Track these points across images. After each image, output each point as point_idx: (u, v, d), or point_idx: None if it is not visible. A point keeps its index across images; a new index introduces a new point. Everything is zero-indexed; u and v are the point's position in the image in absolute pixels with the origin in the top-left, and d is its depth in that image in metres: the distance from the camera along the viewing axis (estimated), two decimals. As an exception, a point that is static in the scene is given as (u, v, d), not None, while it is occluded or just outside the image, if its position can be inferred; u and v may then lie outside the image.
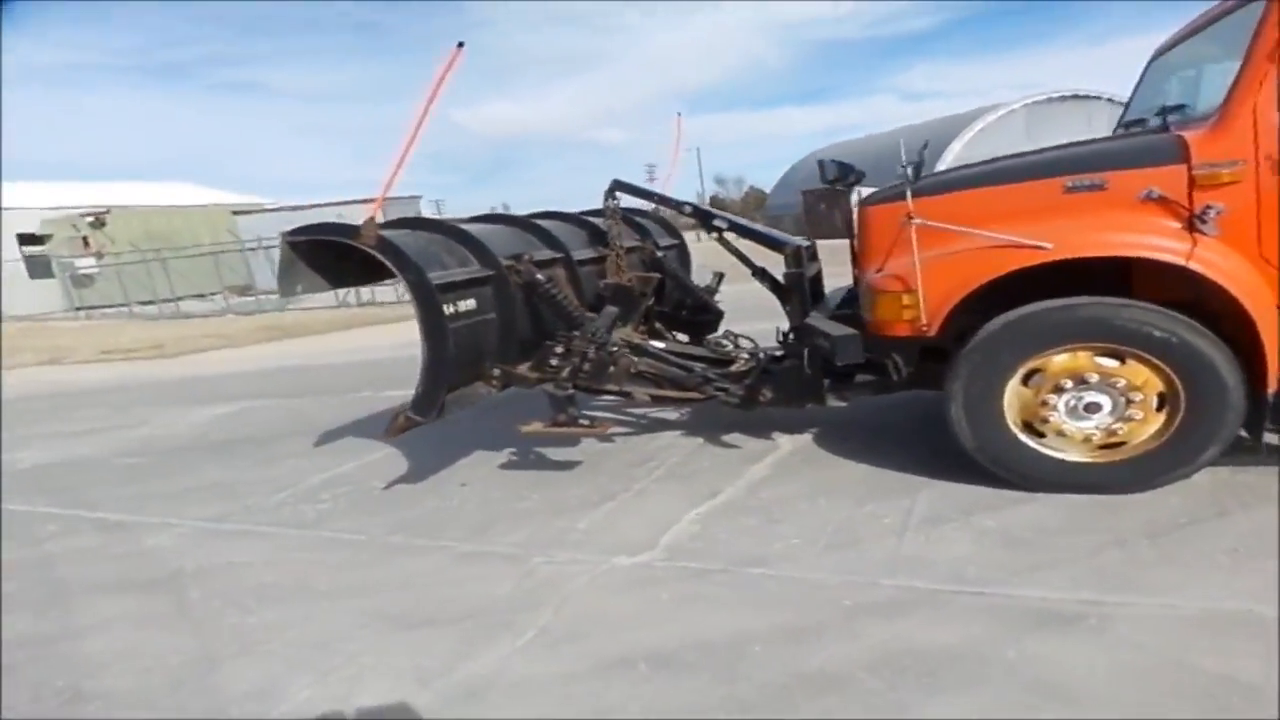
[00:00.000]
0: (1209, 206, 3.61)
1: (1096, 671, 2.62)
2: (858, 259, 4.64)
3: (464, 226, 4.63)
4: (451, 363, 4.14)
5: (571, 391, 4.63)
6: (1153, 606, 2.97)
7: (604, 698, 2.74)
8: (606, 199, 5.26)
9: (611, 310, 4.92)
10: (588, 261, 5.35)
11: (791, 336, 5.00)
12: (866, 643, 2.91)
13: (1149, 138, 3.98)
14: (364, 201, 23.02)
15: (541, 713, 2.70)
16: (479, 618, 3.35)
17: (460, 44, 3.72)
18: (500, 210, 12.50)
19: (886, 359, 4.40)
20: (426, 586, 3.71)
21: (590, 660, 2.96)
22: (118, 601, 3.88)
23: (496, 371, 4.58)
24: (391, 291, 16.81)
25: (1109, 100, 36.88)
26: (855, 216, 4.63)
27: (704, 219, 5.20)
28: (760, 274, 5.35)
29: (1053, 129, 32.56)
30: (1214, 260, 3.59)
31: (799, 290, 4.80)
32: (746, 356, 5.36)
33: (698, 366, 5.06)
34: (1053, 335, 3.84)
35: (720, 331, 5.96)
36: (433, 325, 4.06)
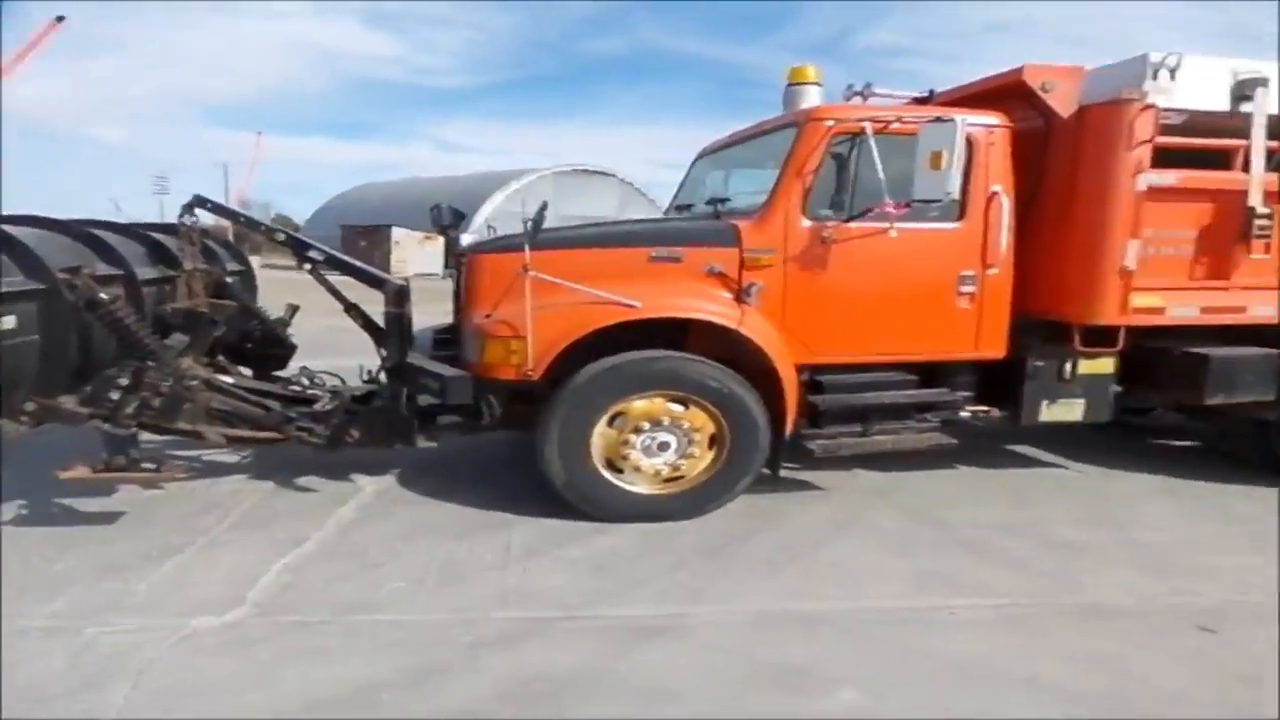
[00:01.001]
0: (752, 284, 4.49)
1: (690, 672, 3.06)
2: (463, 303, 4.77)
3: (2, 228, 3.72)
4: (-18, 394, 3.30)
5: (135, 430, 3.98)
6: (718, 613, 3.55)
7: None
8: (183, 214, 4.68)
9: (181, 339, 4.35)
10: (150, 282, 4.66)
11: (385, 376, 4.92)
12: (493, 675, 3.01)
13: (714, 223, 4.80)
14: None
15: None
16: (30, 708, 2.72)
17: (60, 18, 3.07)
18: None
19: (481, 400, 4.60)
20: (-66, 680, 2.88)
21: (195, 734, 2.60)
22: None
23: (30, 406, 3.74)
24: None
25: (620, 180, 42.88)
26: (465, 262, 4.77)
27: (298, 248, 4.89)
28: (353, 310, 5.18)
29: (574, 195, 36.89)
30: (756, 326, 4.47)
31: (398, 329, 4.76)
32: (328, 395, 5.12)
33: (275, 404, 4.72)
34: (636, 382, 4.40)
35: (295, 368, 5.60)
36: None
